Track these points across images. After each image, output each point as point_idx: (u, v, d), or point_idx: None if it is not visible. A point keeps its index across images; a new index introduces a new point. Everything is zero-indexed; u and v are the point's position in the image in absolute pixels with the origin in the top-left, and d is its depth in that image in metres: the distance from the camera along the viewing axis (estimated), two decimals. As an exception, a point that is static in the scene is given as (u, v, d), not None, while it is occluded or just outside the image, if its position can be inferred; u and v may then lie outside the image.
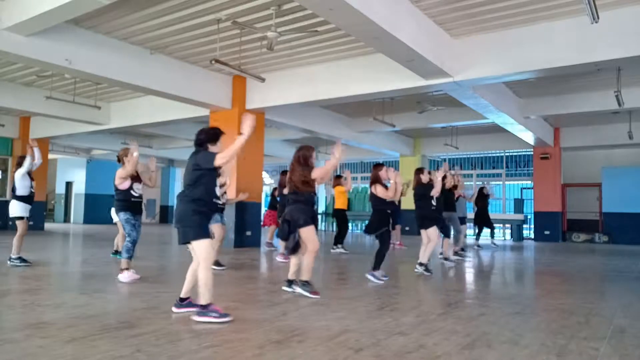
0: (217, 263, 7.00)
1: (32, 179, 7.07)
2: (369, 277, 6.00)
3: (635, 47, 6.77)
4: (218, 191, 4.13)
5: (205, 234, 3.85)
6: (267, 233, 10.56)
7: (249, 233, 10.71)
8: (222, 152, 3.86)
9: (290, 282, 5.07)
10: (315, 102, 10.38)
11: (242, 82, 10.65)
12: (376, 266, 6.05)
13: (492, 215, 12.67)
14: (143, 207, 6.04)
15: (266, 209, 10.83)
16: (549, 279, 7.29)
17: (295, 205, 4.94)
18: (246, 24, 7.54)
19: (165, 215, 24.89)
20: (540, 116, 12.93)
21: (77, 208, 21.84)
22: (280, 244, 8.56)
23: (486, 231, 12.57)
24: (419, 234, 7.12)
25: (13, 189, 7.02)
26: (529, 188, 17.67)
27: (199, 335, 3.40)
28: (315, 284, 5.05)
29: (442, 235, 7.93)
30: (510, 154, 18.28)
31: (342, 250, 9.95)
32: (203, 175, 3.89)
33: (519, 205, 17.40)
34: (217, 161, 3.78)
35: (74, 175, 22.03)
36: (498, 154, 18.44)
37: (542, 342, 3.37)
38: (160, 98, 10.53)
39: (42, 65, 8.39)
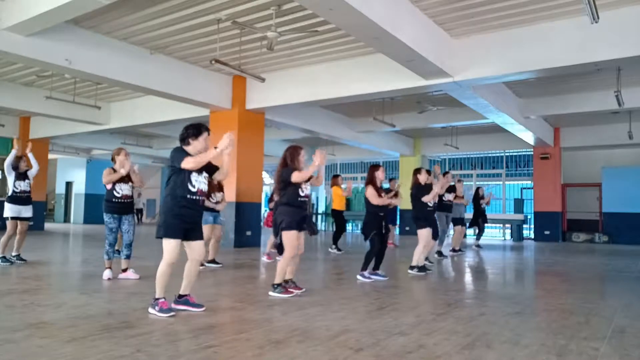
0: (213, 261, 7.19)
1: (23, 179, 7.05)
2: (359, 277, 6.14)
3: (635, 47, 6.77)
4: (205, 189, 4.06)
5: (170, 234, 3.88)
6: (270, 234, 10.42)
7: (249, 233, 10.71)
8: (196, 155, 3.87)
9: (285, 282, 5.04)
10: (315, 102, 10.38)
11: (242, 82, 10.65)
12: (364, 267, 6.16)
13: (492, 215, 12.66)
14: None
15: (267, 209, 10.81)
16: (549, 279, 7.29)
17: (280, 207, 4.88)
18: (246, 24, 7.54)
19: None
20: (540, 116, 12.93)
21: (77, 208, 21.83)
22: (268, 244, 8.55)
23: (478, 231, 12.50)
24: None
25: (7, 190, 7.15)
26: (529, 188, 17.67)
27: (199, 335, 3.40)
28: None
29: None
30: (510, 154, 18.28)
31: (335, 251, 9.91)
32: (176, 172, 3.93)
33: (519, 205, 17.39)
34: (183, 163, 3.82)
35: (74, 175, 22.03)
36: (498, 154, 18.44)
37: (542, 342, 3.37)
38: (160, 98, 10.54)
39: (42, 65, 8.39)
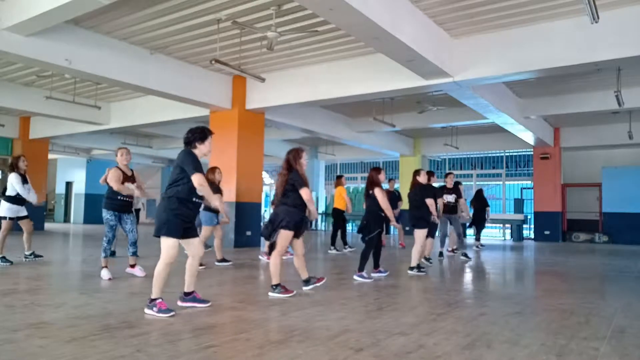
0: (223, 260, 7.42)
1: (24, 182, 7.10)
2: (356, 277, 6.18)
3: (635, 47, 6.77)
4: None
5: (172, 232, 3.95)
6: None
7: (249, 233, 10.70)
8: (203, 181, 3.96)
9: (306, 282, 5.22)
10: (315, 102, 10.38)
11: (242, 82, 10.65)
12: (362, 266, 6.22)
13: (493, 215, 12.64)
14: (140, 207, 6.10)
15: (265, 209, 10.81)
16: (549, 279, 7.29)
17: (282, 207, 4.94)
18: (246, 24, 7.54)
19: (165, 215, 24.85)
20: (540, 116, 12.93)
21: (77, 208, 21.84)
22: (266, 243, 8.66)
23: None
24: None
25: (4, 189, 7.14)
26: (529, 188, 17.67)
27: (199, 335, 3.40)
28: (317, 283, 5.09)
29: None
30: (510, 154, 18.28)
31: (334, 251, 9.97)
32: (184, 176, 4.00)
33: (519, 205, 17.39)
34: (194, 178, 3.94)
35: (74, 175, 22.03)
36: (498, 154, 18.44)
37: (542, 342, 3.37)
38: (160, 98, 10.54)
39: (42, 65, 8.39)
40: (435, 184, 8.86)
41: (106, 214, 5.77)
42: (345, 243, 10.34)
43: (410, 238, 8.06)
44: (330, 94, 9.65)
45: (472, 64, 8.00)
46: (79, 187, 21.84)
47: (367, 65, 9.09)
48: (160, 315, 3.88)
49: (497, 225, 17.55)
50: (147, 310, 3.97)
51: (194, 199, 4.05)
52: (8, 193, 7.03)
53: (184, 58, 9.60)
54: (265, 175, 21.04)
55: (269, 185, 23.32)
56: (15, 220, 7.11)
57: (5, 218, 7.03)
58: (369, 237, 6.20)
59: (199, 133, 4.11)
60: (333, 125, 14.17)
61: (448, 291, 5.62)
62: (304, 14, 7.30)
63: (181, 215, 3.98)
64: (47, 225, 17.33)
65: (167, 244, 3.96)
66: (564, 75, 9.35)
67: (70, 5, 6.13)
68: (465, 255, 9.07)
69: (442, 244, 9.28)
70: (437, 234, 8.86)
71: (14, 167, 7.10)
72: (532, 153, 16.45)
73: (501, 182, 18.43)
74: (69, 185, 22.43)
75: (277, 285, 4.91)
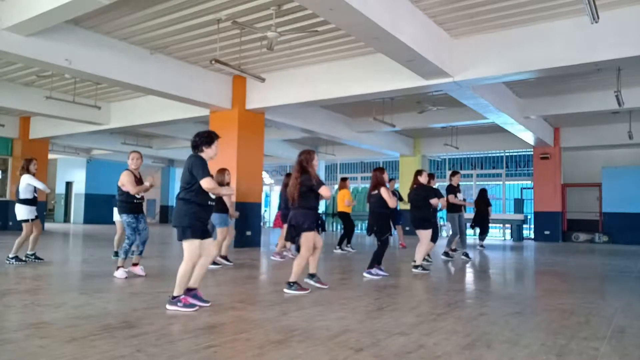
0: (225, 258, 7.52)
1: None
2: (365, 274, 6.44)
3: (635, 47, 6.77)
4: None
5: (196, 235, 4.15)
6: (279, 236, 10.17)
7: (249, 233, 10.70)
8: (213, 184, 4.14)
9: (311, 276, 5.41)
10: (315, 102, 10.38)
11: (242, 82, 10.65)
12: (372, 264, 6.48)
13: (493, 215, 12.63)
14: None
15: (278, 210, 10.78)
16: (549, 279, 7.29)
17: (301, 210, 5.13)
18: (246, 24, 7.54)
19: (165, 215, 24.90)
20: (540, 116, 12.93)
21: (77, 208, 21.85)
22: (279, 244, 8.90)
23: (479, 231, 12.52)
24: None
25: (17, 193, 7.20)
26: (529, 188, 17.67)
27: (199, 335, 3.40)
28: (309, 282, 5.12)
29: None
30: (510, 154, 18.28)
31: (340, 251, 10.05)
32: (196, 181, 4.15)
33: (519, 205, 17.39)
34: (203, 183, 4.10)
35: (74, 175, 22.04)
36: (498, 154, 18.45)
37: (542, 342, 3.37)
38: (160, 98, 10.54)
39: (42, 65, 8.39)
40: (435, 185, 8.87)
41: (127, 218, 5.88)
42: (348, 242, 10.42)
43: (410, 238, 8.09)
44: (330, 94, 9.65)
45: (472, 64, 8.00)
46: (79, 187, 21.85)
47: (367, 65, 9.09)
48: (185, 309, 4.05)
49: (497, 225, 17.55)
50: (169, 307, 4.11)
51: (209, 203, 4.25)
52: (24, 196, 7.08)
53: (184, 58, 9.61)
54: (265, 175, 21.05)
55: (269, 186, 23.33)
56: (34, 220, 7.20)
57: (28, 220, 7.11)
58: (384, 238, 6.40)
59: (205, 137, 4.24)
60: (333, 125, 14.17)
61: (448, 291, 5.62)
62: (304, 14, 7.30)
63: (201, 218, 4.19)
64: (47, 225, 17.33)
65: (192, 246, 4.15)
66: (564, 75, 9.35)
67: (70, 5, 6.14)
68: (466, 255, 9.07)
69: (450, 243, 9.29)
70: (443, 234, 8.89)
71: (26, 170, 7.17)
72: (532, 153, 16.45)
73: (501, 182, 18.43)
74: (69, 185, 22.44)
75: (294, 283, 5.10)
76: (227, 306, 4.38)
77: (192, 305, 4.10)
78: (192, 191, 4.13)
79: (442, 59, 7.68)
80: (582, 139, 15.24)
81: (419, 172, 7.47)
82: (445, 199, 8.58)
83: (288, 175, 8.63)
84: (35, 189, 7.17)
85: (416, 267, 7.01)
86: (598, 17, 5.34)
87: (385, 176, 6.57)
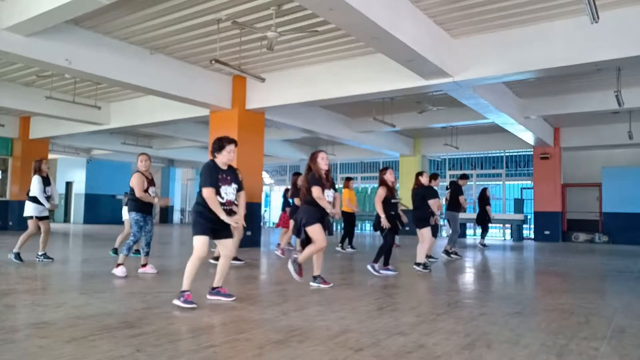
0: (235, 258, 7.52)
1: (48, 184, 7.29)
2: (368, 267, 6.65)
3: (635, 47, 6.77)
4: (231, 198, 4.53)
5: (198, 231, 4.32)
6: (280, 236, 10.10)
7: (249, 233, 10.69)
8: (209, 195, 4.29)
9: (314, 278, 5.51)
10: (315, 102, 10.37)
11: (242, 82, 10.64)
12: (376, 259, 6.63)
13: (492, 215, 12.63)
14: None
15: (281, 210, 10.80)
16: (549, 279, 7.29)
17: (302, 207, 5.43)
18: (246, 24, 7.54)
19: (165, 215, 24.89)
20: (540, 116, 12.93)
21: (77, 208, 21.83)
22: (283, 240, 9.26)
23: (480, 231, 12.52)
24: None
25: (28, 190, 7.34)
26: (529, 188, 17.67)
27: (199, 335, 3.40)
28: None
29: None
30: (510, 154, 18.28)
31: (341, 250, 10.10)
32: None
33: (519, 205, 17.39)
34: (204, 192, 4.33)
35: (74, 175, 22.03)
36: (498, 154, 18.44)
37: (542, 342, 3.37)
38: (160, 98, 10.53)
39: (42, 65, 8.39)
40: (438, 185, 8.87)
41: (135, 216, 6.08)
42: (350, 242, 10.47)
43: (409, 238, 8.09)
44: (330, 94, 9.65)
45: (472, 64, 7.99)
46: (79, 187, 21.84)
47: (367, 65, 9.08)
48: (184, 305, 4.18)
49: (497, 225, 17.54)
50: (175, 301, 4.28)
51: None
52: (32, 194, 7.18)
53: (184, 58, 9.60)
54: (265, 175, 21.04)
55: (269, 185, 23.33)
56: (41, 219, 7.26)
57: (32, 217, 7.20)
58: (384, 234, 6.56)
59: (216, 143, 4.46)
60: (333, 125, 14.17)
61: (448, 291, 5.62)
62: (304, 14, 7.30)
63: (210, 219, 4.31)
64: (47, 225, 17.29)
65: (197, 242, 4.31)
66: (564, 75, 9.35)
67: (70, 5, 6.13)
68: (455, 253, 9.19)
69: (451, 241, 9.28)
70: (443, 233, 8.91)
71: (36, 171, 7.28)
72: (532, 153, 16.45)
73: (501, 182, 18.43)
74: (69, 185, 22.43)
75: (317, 277, 5.44)
76: (227, 306, 4.38)
77: (190, 303, 4.21)
78: (200, 195, 4.37)
79: (442, 59, 7.68)
80: (582, 139, 15.24)
81: (419, 174, 7.57)
82: (437, 200, 8.57)
83: (296, 174, 8.88)
84: (45, 190, 7.21)
85: (418, 265, 7.10)
86: (598, 17, 5.34)
87: (387, 176, 6.63)
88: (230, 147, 4.46)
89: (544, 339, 3.45)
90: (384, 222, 6.37)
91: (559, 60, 7.35)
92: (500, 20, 7.44)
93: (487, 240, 12.08)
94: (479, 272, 7.76)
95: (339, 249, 10.22)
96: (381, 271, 6.61)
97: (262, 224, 11.38)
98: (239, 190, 4.54)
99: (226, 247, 4.49)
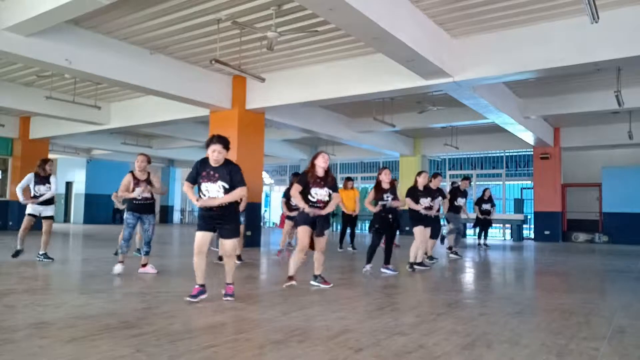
0: (238, 257, 7.56)
1: (43, 183, 7.28)
2: (364, 269, 6.69)
3: (635, 47, 6.77)
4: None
5: (198, 227, 4.51)
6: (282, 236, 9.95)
7: (249, 233, 10.69)
8: (186, 189, 4.57)
9: (315, 277, 5.52)
10: (315, 102, 10.38)
11: (242, 82, 10.64)
12: (368, 260, 6.70)
13: (493, 215, 12.62)
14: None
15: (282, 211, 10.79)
16: (549, 279, 7.29)
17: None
18: (246, 24, 7.54)
19: (165, 215, 24.88)
20: (540, 116, 12.93)
21: (77, 208, 21.83)
22: (282, 242, 9.30)
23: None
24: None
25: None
26: (529, 188, 17.67)
27: (199, 335, 3.40)
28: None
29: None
30: (510, 154, 18.28)
31: (339, 250, 10.16)
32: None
33: (519, 205, 17.40)
34: (184, 186, 4.61)
35: (74, 175, 22.03)
36: (498, 154, 18.44)
37: (542, 342, 3.37)
38: (160, 98, 10.54)
39: (42, 65, 8.39)
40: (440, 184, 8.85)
41: (127, 215, 6.21)
42: (351, 243, 10.51)
43: (409, 238, 8.08)
44: (330, 94, 9.65)
45: (472, 64, 7.99)
46: (79, 187, 21.84)
47: (367, 65, 9.08)
48: (188, 299, 4.40)
49: (497, 225, 17.54)
50: (188, 298, 4.46)
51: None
52: (32, 194, 7.28)
53: (184, 58, 9.60)
54: (265, 175, 21.04)
55: (269, 185, 23.33)
56: (38, 218, 7.32)
57: (28, 214, 7.30)
58: (372, 232, 6.68)
59: (206, 143, 4.53)
60: (333, 125, 14.17)
61: (448, 291, 5.62)
62: (304, 14, 7.30)
63: (202, 216, 4.48)
64: (47, 225, 17.28)
65: (195, 238, 4.49)
66: (564, 75, 9.35)
67: (70, 5, 6.13)
68: (456, 253, 9.23)
69: (457, 242, 9.29)
70: (444, 231, 8.91)
71: (37, 168, 7.37)
72: (532, 153, 16.45)
73: (501, 182, 18.43)
74: (69, 185, 22.43)
75: (317, 276, 5.47)
76: (227, 306, 4.38)
77: (192, 297, 4.42)
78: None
79: (442, 59, 7.68)
80: (582, 139, 15.24)
81: (418, 174, 7.50)
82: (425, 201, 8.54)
83: (295, 174, 8.81)
84: (34, 188, 7.25)
85: (410, 265, 7.14)
86: (598, 17, 5.34)
87: (382, 176, 6.66)
88: (213, 147, 4.44)
89: (544, 339, 3.45)
90: (372, 209, 6.60)
91: (559, 60, 7.35)
92: (500, 20, 7.44)
93: (484, 240, 12.02)
94: (479, 272, 7.76)
95: (340, 249, 10.22)
96: (381, 269, 6.66)
97: (262, 223, 11.36)
98: (231, 188, 4.46)
99: (223, 246, 4.60)
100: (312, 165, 5.39)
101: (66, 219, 22.43)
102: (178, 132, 15.82)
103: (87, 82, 11.05)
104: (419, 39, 6.95)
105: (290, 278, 5.36)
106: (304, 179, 5.33)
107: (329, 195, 5.35)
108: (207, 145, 4.48)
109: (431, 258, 8.33)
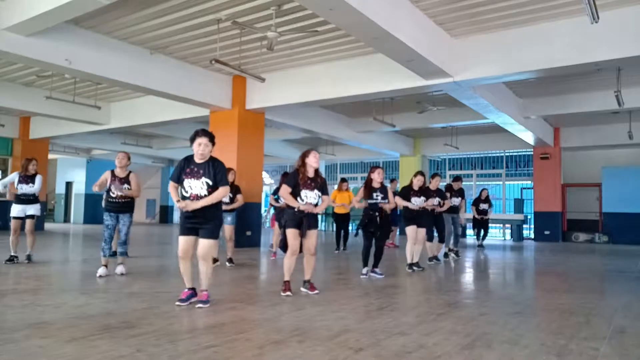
0: (229, 260, 7.46)
1: (26, 182, 7.15)
2: (362, 276, 6.39)
3: (635, 47, 6.77)
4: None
5: (180, 231, 4.35)
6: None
7: (249, 233, 10.70)
8: (170, 189, 4.41)
9: (304, 282, 5.21)
10: (315, 102, 10.38)
11: (242, 82, 10.65)
12: (364, 263, 6.45)
13: (493, 215, 12.63)
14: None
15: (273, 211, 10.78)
16: (549, 279, 7.29)
17: (286, 209, 5.20)
18: (246, 24, 7.54)
19: (165, 215, 24.88)
20: (540, 116, 12.93)
21: (77, 208, 21.84)
22: (274, 243, 9.06)
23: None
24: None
25: None
26: (529, 188, 17.67)
27: (199, 335, 3.40)
28: (316, 283, 5.14)
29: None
30: (510, 154, 18.27)
31: (337, 251, 10.11)
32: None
33: (519, 205, 17.39)
34: (169, 186, 4.45)
35: (74, 175, 22.04)
36: (498, 154, 18.44)
37: (542, 342, 3.37)
38: (160, 98, 10.53)
39: (42, 65, 8.38)
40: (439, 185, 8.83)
41: (104, 215, 6.09)
42: (344, 244, 10.42)
43: (405, 239, 8.06)
44: (330, 94, 9.65)
45: (472, 64, 7.99)
46: (79, 187, 21.84)
47: (367, 65, 9.08)
48: (178, 303, 4.28)
49: (497, 225, 17.55)
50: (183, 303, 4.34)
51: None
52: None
53: (184, 58, 9.60)
54: (265, 175, 21.04)
55: (269, 185, 23.33)
56: (23, 219, 7.17)
57: (13, 218, 7.17)
58: (363, 236, 6.48)
59: (191, 135, 4.36)
60: (333, 125, 14.17)
61: (448, 291, 5.62)
62: (304, 14, 7.30)
63: (183, 216, 4.34)
64: (47, 225, 17.33)
65: (179, 241, 4.35)
66: (564, 75, 9.35)
67: (70, 5, 6.13)
68: (457, 253, 9.21)
69: (456, 243, 9.27)
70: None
71: (21, 168, 7.27)
72: (532, 153, 16.45)
73: (501, 182, 18.43)
74: (69, 185, 22.44)
75: (306, 282, 5.17)
76: (227, 306, 4.38)
77: (180, 300, 4.30)
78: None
79: (442, 59, 7.68)
80: (582, 139, 15.24)
81: (414, 174, 7.45)
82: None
83: (285, 174, 8.66)
84: (6, 186, 7.18)
85: (409, 266, 7.13)
86: (598, 17, 5.34)
87: (374, 175, 6.43)
88: (199, 140, 4.25)
89: (544, 339, 3.45)
90: (358, 205, 6.45)
91: (559, 60, 7.35)
92: (500, 20, 7.44)
93: (482, 241, 11.99)
94: (479, 272, 7.76)
95: (336, 251, 10.16)
96: (370, 273, 6.44)
97: (268, 224, 11.36)
98: (215, 185, 4.28)
99: (198, 247, 4.31)
100: (303, 164, 5.03)
101: (66, 219, 22.44)
102: (178, 132, 15.82)
103: (87, 82, 11.05)
104: (419, 39, 6.95)
105: (287, 285, 4.96)
106: (295, 178, 4.98)
107: (319, 198, 5.02)
108: (192, 140, 4.30)
109: (436, 259, 8.31)
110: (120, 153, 6.23)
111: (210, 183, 4.27)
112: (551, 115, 13.02)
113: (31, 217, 7.19)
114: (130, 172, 6.18)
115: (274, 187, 24.36)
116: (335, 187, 10.56)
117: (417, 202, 7.17)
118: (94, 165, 21.49)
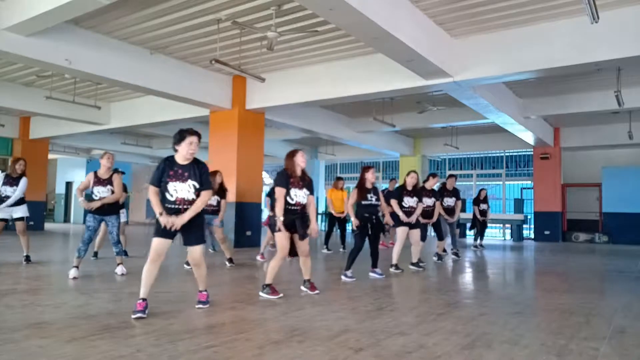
0: (229, 260, 7.45)
1: (10, 185, 7.00)
2: (342, 277, 6.21)
3: (635, 47, 6.77)
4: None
5: (155, 234, 4.02)
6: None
7: (249, 233, 10.70)
8: (150, 194, 4.05)
9: (304, 282, 5.21)
10: (315, 102, 10.38)
11: (242, 82, 10.65)
12: (348, 266, 6.23)
13: (492, 215, 12.65)
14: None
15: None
16: (549, 279, 7.29)
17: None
18: (246, 24, 7.54)
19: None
20: (540, 116, 12.93)
21: (77, 208, 21.83)
22: (263, 244, 9.04)
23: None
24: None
25: None
26: (529, 188, 17.67)
27: (199, 335, 3.40)
28: (316, 283, 5.12)
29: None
30: (510, 154, 18.28)
31: (325, 251, 10.07)
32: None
33: (519, 205, 17.39)
34: (149, 191, 4.07)
35: (74, 175, 22.04)
36: (498, 154, 18.44)
37: (542, 342, 3.37)
38: (160, 98, 10.53)
39: (42, 65, 8.38)
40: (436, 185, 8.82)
41: (87, 216, 6.03)
42: (325, 243, 10.29)
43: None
44: (330, 94, 9.65)
45: (472, 64, 7.99)
46: (79, 187, 21.82)
47: (367, 65, 9.08)
48: (136, 316, 3.83)
49: (497, 225, 17.55)
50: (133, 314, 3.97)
51: (166, 205, 4.00)
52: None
53: (184, 58, 9.60)
54: (265, 175, 21.03)
55: (269, 185, 23.33)
56: (8, 221, 7.08)
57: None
58: (354, 236, 6.30)
59: (177, 135, 4.04)
60: (333, 125, 14.17)
61: (448, 291, 5.62)
62: (304, 14, 7.30)
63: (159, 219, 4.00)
64: (47, 225, 17.32)
65: (152, 244, 4.03)
66: (564, 75, 9.35)
67: (70, 5, 6.13)
68: (456, 253, 9.19)
69: (454, 243, 9.25)
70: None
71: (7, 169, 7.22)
72: (532, 153, 16.45)
73: (501, 182, 18.43)
74: (69, 185, 22.45)
75: (267, 286, 4.89)
76: (227, 306, 4.38)
77: (134, 312, 3.90)
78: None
79: (442, 59, 7.68)
80: (582, 139, 15.24)
81: (407, 173, 7.36)
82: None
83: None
84: (2, 189, 7.00)
85: (414, 264, 7.21)
86: (598, 17, 5.34)
87: (368, 175, 6.32)
88: (191, 139, 3.98)
89: (544, 339, 3.45)
90: (354, 222, 6.16)
91: (559, 60, 7.35)
92: (500, 20, 7.44)
93: (479, 241, 11.97)
94: (479, 272, 7.76)
95: (340, 250, 10.21)
96: (369, 273, 6.39)
97: (262, 223, 11.34)
98: (201, 188, 4.05)
99: (190, 254, 4.20)
100: (292, 164, 4.92)
101: (66, 219, 22.44)
102: (178, 132, 15.79)
103: (87, 82, 11.05)
104: (419, 39, 6.95)
105: (272, 288, 4.87)
106: (286, 179, 4.86)
107: (307, 197, 4.94)
108: (181, 138, 3.98)
109: (439, 257, 8.33)
110: (107, 153, 6.13)
111: (197, 186, 4.03)
112: (551, 115, 13.02)
113: (20, 219, 7.10)
114: (114, 172, 6.09)
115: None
116: (330, 185, 10.54)
117: (409, 203, 7.11)
118: (94, 165, 21.40)
